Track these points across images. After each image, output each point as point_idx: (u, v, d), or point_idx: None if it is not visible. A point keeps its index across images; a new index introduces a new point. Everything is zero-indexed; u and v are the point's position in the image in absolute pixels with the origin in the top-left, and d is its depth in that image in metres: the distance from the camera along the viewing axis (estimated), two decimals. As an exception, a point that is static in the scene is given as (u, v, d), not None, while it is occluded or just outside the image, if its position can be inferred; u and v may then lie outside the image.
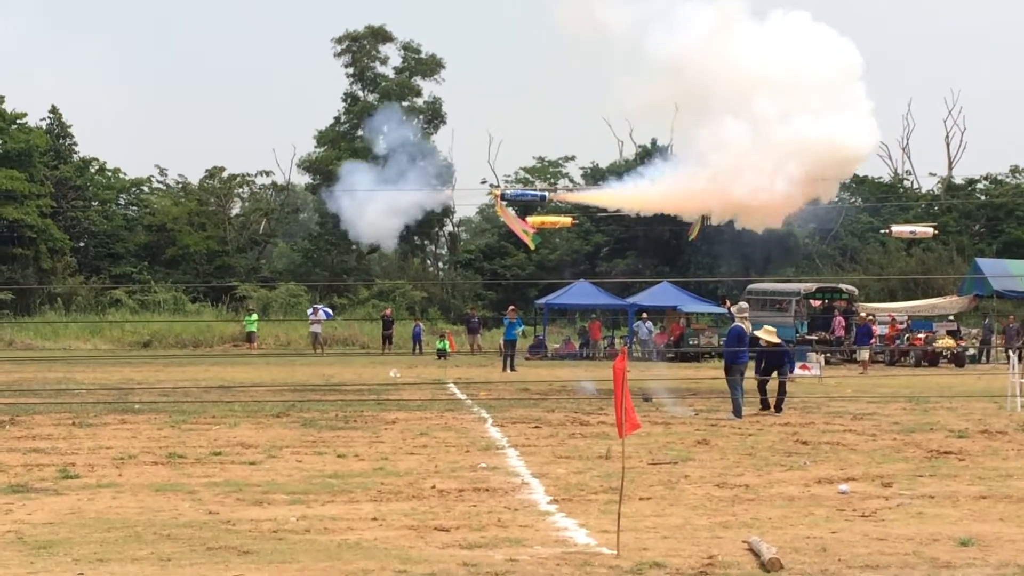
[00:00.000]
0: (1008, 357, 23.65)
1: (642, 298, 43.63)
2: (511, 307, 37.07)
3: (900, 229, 43.68)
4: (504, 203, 32.22)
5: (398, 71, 62.68)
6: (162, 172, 66.34)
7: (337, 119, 62.89)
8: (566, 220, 35.40)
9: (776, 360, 20.65)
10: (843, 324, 40.13)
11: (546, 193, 38.63)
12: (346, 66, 62.40)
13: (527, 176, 67.39)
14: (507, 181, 65.20)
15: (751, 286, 43.13)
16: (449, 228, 67.65)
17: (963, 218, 62.40)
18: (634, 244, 58.28)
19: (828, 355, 36.26)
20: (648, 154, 57.65)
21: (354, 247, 55.03)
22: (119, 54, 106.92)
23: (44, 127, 60.47)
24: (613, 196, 33.23)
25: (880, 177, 66.80)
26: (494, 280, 57.79)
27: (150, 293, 53.55)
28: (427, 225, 57.28)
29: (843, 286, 43.36)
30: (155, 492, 11.52)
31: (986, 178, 64.95)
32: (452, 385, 26.58)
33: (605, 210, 39.17)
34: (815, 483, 12.37)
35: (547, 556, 8.79)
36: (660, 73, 25.29)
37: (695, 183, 25.12)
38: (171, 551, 8.87)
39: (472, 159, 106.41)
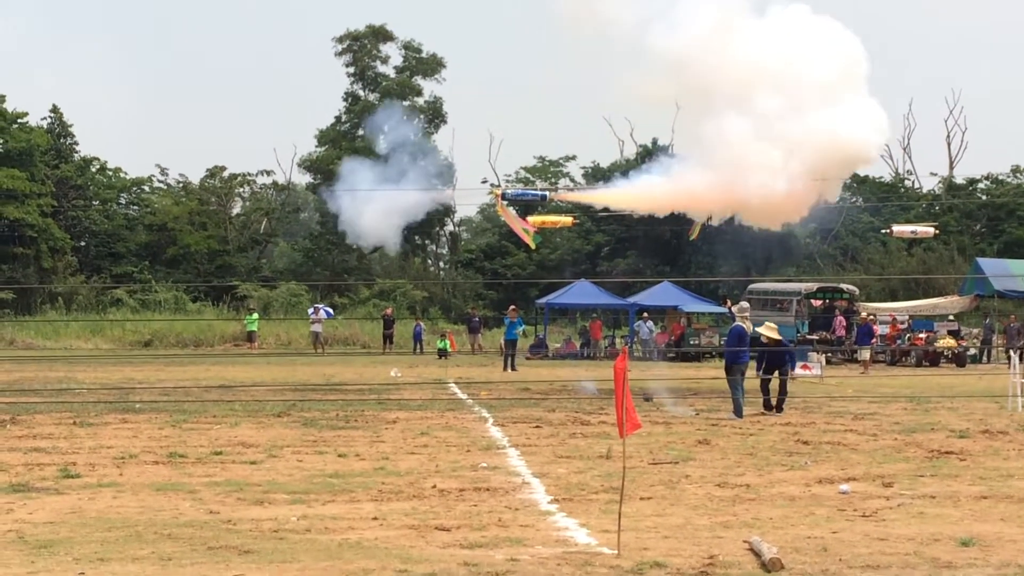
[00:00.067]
0: (1009, 357, 23.59)
1: (643, 298, 43.61)
2: (512, 307, 37.04)
3: (901, 229, 43.57)
4: (505, 202, 32.18)
5: (399, 70, 62.70)
6: (163, 171, 66.56)
7: (338, 118, 62.94)
8: (567, 220, 35.38)
9: (778, 359, 20.62)
10: (844, 324, 40.09)
11: (547, 193, 38.58)
12: (347, 65, 62.51)
13: (528, 175, 67.40)
14: (508, 180, 65.26)
15: (752, 286, 43.08)
16: (450, 228, 67.71)
17: (964, 218, 62.35)
18: (635, 244, 58.25)
19: (829, 355, 36.21)
20: (649, 153, 57.74)
21: (355, 247, 55.01)
22: (119, 54, 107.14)
23: (45, 126, 60.53)
24: (613, 195, 33.21)
25: (881, 177, 66.88)
26: (495, 280, 57.75)
27: (151, 292, 53.58)
28: (428, 224, 57.27)
29: (844, 286, 43.32)
30: (156, 491, 11.52)
31: (987, 178, 64.97)
32: (453, 385, 26.56)
33: (607, 209, 39.12)
34: (816, 483, 12.36)
35: (548, 556, 8.79)
36: (662, 69, 25.30)
37: (699, 181, 25.06)
38: (172, 551, 8.87)
39: (473, 158, 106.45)
